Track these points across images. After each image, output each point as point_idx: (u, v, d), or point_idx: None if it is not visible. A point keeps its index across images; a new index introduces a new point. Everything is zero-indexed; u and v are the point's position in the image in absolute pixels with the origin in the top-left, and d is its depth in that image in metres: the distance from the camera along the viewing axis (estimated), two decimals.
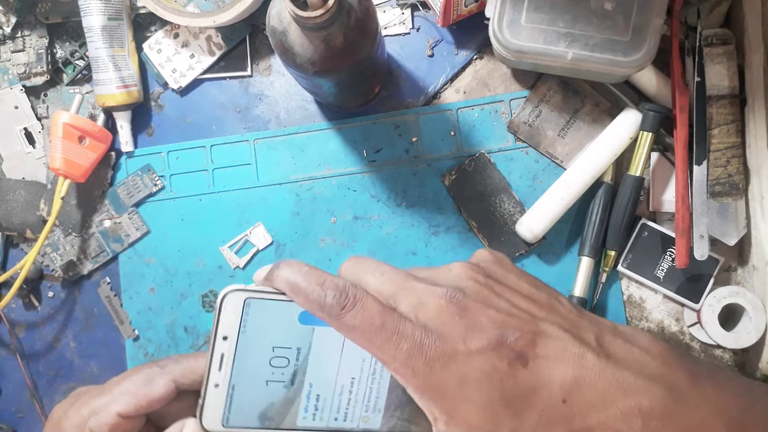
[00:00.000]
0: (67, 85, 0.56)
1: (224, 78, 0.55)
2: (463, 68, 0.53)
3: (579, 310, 0.33)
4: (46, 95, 0.56)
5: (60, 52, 0.56)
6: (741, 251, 0.50)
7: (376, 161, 0.53)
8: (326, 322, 0.30)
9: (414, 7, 0.54)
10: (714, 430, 0.30)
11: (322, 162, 0.54)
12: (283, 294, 0.31)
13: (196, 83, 0.55)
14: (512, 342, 0.29)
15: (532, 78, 0.53)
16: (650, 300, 0.51)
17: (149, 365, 0.35)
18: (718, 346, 0.50)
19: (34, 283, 0.55)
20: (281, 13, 0.39)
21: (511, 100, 0.52)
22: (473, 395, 0.28)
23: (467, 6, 0.50)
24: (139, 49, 0.55)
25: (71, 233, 0.55)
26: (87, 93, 0.56)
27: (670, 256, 0.49)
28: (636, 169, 0.49)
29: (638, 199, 0.50)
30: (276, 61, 0.55)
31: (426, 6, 0.53)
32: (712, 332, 0.47)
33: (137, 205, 0.55)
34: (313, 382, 0.32)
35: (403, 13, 0.54)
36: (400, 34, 0.54)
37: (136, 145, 0.55)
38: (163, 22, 0.55)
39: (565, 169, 0.51)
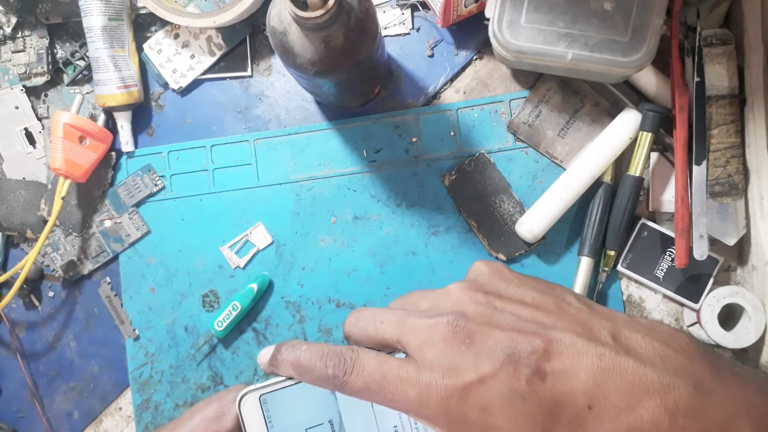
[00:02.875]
0: (67, 85, 0.56)
1: (224, 78, 0.55)
2: (463, 68, 0.53)
3: (589, 306, 0.32)
4: (46, 95, 0.56)
5: (60, 53, 0.56)
6: (740, 251, 0.50)
7: (376, 161, 0.53)
8: (337, 391, 0.31)
9: (414, 8, 0.54)
10: (740, 425, 0.29)
11: (322, 162, 0.54)
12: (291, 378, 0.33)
13: (196, 83, 0.55)
14: (525, 358, 0.28)
15: (531, 78, 0.53)
16: (650, 300, 0.51)
17: (217, 399, 0.38)
18: (718, 346, 0.50)
19: (34, 283, 0.55)
20: (281, 14, 0.39)
21: (510, 100, 0.53)
22: (498, 421, 0.27)
23: (467, 6, 0.50)
24: (139, 50, 0.55)
25: (72, 233, 0.55)
26: (87, 93, 0.56)
27: (670, 256, 0.49)
28: (635, 169, 0.49)
29: (638, 199, 0.50)
30: (276, 62, 0.55)
31: (426, 6, 0.53)
32: (711, 332, 0.47)
33: (138, 205, 0.55)
34: None
35: (403, 14, 0.54)
36: (400, 35, 0.54)
37: (136, 145, 0.55)
38: (164, 23, 0.55)
39: (565, 170, 0.51)
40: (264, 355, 0.34)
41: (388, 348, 0.32)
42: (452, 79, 0.54)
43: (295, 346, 0.32)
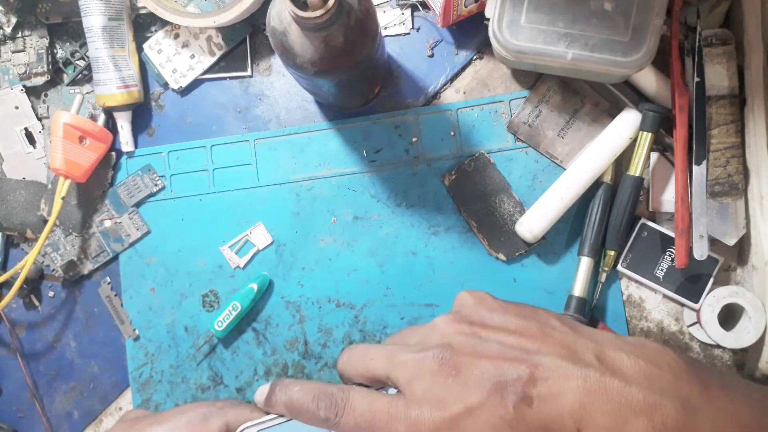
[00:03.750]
0: (67, 85, 0.56)
1: (224, 78, 0.55)
2: (463, 68, 0.53)
3: (574, 328, 0.32)
4: (46, 95, 0.56)
5: (60, 53, 0.56)
6: (740, 251, 0.50)
7: (376, 161, 0.53)
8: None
9: (414, 8, 0.54)
10: (746, 414, 0.29)
11: (322, 162, 0.54)
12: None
13: (196, 83, 0.55)
14: (511, 385, 0.28)
15: (531, 78, 0.53)
16: (650, 300, 0.51)
17: (206, 404, 0.39)
18: (718, 346, 0.50)
19: (34, 283, 0.55)
20: (281, 14, 0.39)
21: (510, 100, 0.53)
22: None
23: (467, 6, 0.50)
24: (139, 50, 0.55)
25: (72, 233, 0.55)
26: (87, 93, 0.56)
27: (670, 255, 0.49)
28: (635, 169, 0.49)
29: (638, 199, 0.50)
30: (276, 62, 0.55)
31: (426, 6, 0.53)
32: (711, 332, 0.47)
33: (137, 205, 0.55)
34: None
35: (403, 14, 0.54)
36: (400, 35, 0.54)
37: (136, 145, 0.55)
38: (164, 23, 0.55)
39: (565, 170, 0.51)
40: (260, 394, 0.35)
41: (379, 384, 0.33)
42: (452, 79, 0.54)
43: (288, 386, 0.33)
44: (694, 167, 0.47)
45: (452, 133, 0.53)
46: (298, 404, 0.33)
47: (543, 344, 0.30)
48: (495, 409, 0.28)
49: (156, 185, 0.54)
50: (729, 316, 0.49)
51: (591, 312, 0.50)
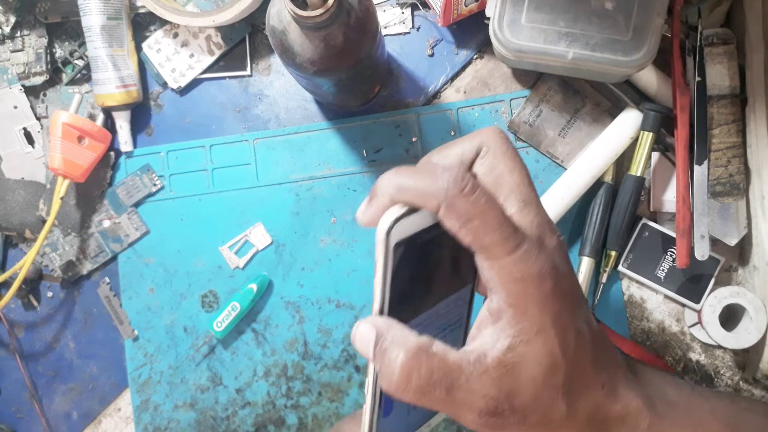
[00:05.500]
0: (66, 84, 0.56)
1: (224, 78, 0.55)
2: (464, 68, 0.53)
3: None
4: (45, 95, 0.56)
5: (59, 52, 0.56)
6: (742, 251, 0.50)
7: (376, 161, 0.53)
8: (442, 212, 0.25)
9: (414, 7, 0.53)
10: (712, 428, 0.30)
11: (322, 162, 0.54)
12: None
13: (195, 83, 0.55)
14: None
15: (532, 78, 0.53)
16: (651, 300, 0.51)
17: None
18: (719, 347, 0.50)
19: (33, 284, 0.55)
20: (281, 13, 0.39)
21: (511, 99, 0.52)
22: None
23: (467, 5, 0.50)
24: (138, 49, 0.55)
25: (70, 233, 0.54)
26: (86, 93, 0.55)
27: (671, 256, 0.49)
28: (637, 168, 0.49)
29: (639, 199, 0.49)
30: (276, 61, 0.55)
31: (426, 5, 0.53)
32: (712, 332, 0.47)
33: (136, 205, 0.54)
34: None
35: (403, 13, 0.53)
36: (400, 34, 0.54)
37: (135, 145, 0.55)
38: (163, 22, 0.55)
39: (566, 169, 0.51)
40: (360, 207, 0.28)
41: None
42: (452, 79, 0.53)
43: (391, 170, 0.27)
44: (696, 167, 0.47)
45: (453, 133, 0.53)
46: (410, 178, 0.26)
47: None
48: None
49: (155, 185, 0.54)
50: (730, 317, 0.49)
51: (592, 312, 0.50)
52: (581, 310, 0.28)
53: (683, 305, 0.50)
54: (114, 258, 0.54)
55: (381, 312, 0.27)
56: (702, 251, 0.46)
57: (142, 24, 0.55)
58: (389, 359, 0.25)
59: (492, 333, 0.26)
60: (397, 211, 0.26)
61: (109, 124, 0.55)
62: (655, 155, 0.50)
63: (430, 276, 0.29)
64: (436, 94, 0.53)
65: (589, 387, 0.27)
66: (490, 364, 0.25)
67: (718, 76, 0.47)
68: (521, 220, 0.27)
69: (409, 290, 0.28)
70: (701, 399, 0.32)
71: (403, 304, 0.28)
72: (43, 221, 0.54)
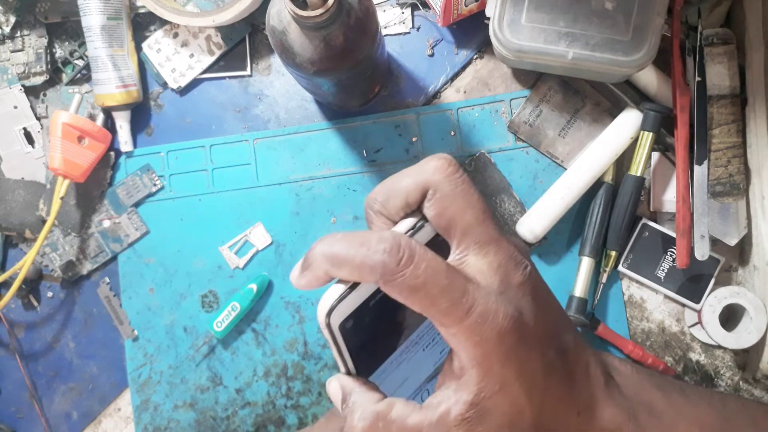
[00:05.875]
0: (66, 84, 0.56)
1: (224, 78, 0.55)
2: (464, 68, 0.53)
3: None
4: (45, 95, 0.56)
5: (59, 52, 0.56)
6: (742, 251, 0.50)
7: (376, 161, 0.53)
8: (381, 286, 0.24)
9: (414, 7, 0.53)
10: None
11: (322, 162, 0.53)
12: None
13: (195, 83, 0.55)
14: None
15: (532, 77, 0.52)
16: (651, 300, 0.51)
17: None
18: (719, 347, 0.50)
19: (33, 284, 0.55)
20: (281, 13, 0.39)
21: (511, 99, 0.52)
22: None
23: (467, 5, 0.50)
24: (138, 49, 0.55)
25: (70, 233, 0.54)
26: (86, 93, 0.55)
27: (671, 256, 0.49)
28: (637, 168, 0.49)
29: (639, 199, 0.49)
30: (276, 61, 0.55)
31: (426, 5, 0.53)
32: (712, 332, 0.47)
33: (136, 205, 0.54)
34: None
35: (403, 13, 0.53)
36: (400, 34, 0.54)
37: (135, 145, 0.55)
38: (163, 22, 0.55)
39: (566, 169, 0.51)
40: (295, 270, 0.27)
41: None
42: (452, 79, 0.53)
43: (328, 236, 0.26)
44: (696, 167, 0.47)
45: (452, 133, 0.53)
46: (344, 251, 0.25)
47: None
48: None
49: (155, 185, 0.54)
50: (730, 317, 0.49)
51: (592, 312, 0.50)
52: (555, 340, 0.27)
53: (683, 305, 0.50)
54: (114, 258, 0.54)
55: (348, 373, 0.27)
56: (702, 251, 0.46)
57: (142, 24, 0.55)
58: (351, 424, 0.26)
59: (455, 388, 0.25)
60: (335, 293, 0.25)
61: (109, 124, 0.55)
62: (655, 155, 0.50)
63: (392, 323, 0.28)
64: (436, 94, 0.53)
65: (561, 420, 0.27)
66: (452, 423, 0.25)
67: (718, 76, 0.47)
68: (478, 264, 0.26)
69: (373, 343, 0.28)
70: (690, 405, 0.31)
71: (371, 354, 0.28)
72: (43, 221, 0.54)
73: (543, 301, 0.27)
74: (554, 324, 0.28)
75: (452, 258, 0.26)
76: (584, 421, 0.28)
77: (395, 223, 0.28)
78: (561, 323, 0.28)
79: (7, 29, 0.55)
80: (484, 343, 0.24)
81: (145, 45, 0.55)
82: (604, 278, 0.50)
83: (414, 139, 0.53)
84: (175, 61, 0.54)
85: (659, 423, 0.29)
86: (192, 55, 0.54)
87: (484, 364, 0.25)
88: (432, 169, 0.27)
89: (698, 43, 0.47)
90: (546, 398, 0.26)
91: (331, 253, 0.25)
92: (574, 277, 0.50)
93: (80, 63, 0.55)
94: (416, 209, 0.27)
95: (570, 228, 0.51)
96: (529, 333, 0.25)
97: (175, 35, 0.54)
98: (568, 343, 0.28)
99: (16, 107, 0.55)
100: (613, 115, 0.51)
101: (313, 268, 0.26)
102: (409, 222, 0.27)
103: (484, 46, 0.53)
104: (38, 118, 0.56)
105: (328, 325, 0.25)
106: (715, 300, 0.47)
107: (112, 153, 0.55)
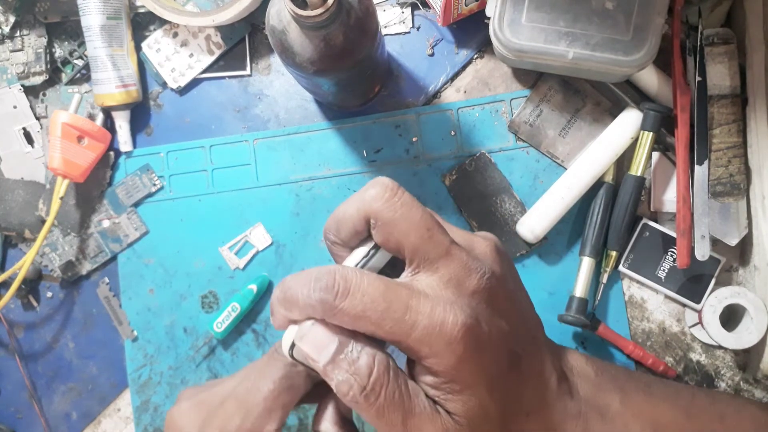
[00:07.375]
0: (65, 84, 0.56)
1: (223, 77, 0.55)
2: (464, 67, 0.53)
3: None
4: (44, 95, 0.56)
5: (59, 52, 0.56)
6: (742, 251, 0.50)
7: (376, 161, 0.53)
8: (327, 320, 0.26)
9: (414, 6, 0.53)
10: None
11: (322, 162, 0.53)
12: None
13: (195, 83, 0.55)
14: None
15: (532, 77, 0.52)
16: (651, 300, 0.51)
17: (271, 360, 0.31)
18: (720, 347, 0.50)
19: (32, 284, 0.55)
20: (281, 12, 0.39)
21: (511, 99, 0.52)
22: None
23: (467, 5, 0.50)
24: (138, 49, 0.55)
25: (70, 233, 0.54)
26: (86, 92, 0.55)
27: (672, 256, 0.49)
28: (637, 168, 0.49)
29: (639, 199, 0.49)
30: (275, 61, 0.55)
31: (426, 5, 0.53)
32: (713, 333, 0.47)
33: (136, 205, 0.54)
34: None
35: (403, 12, 0.53)
36: (400, 33, 0.54)
37: (135, 145, 0.55)
38: (162, 21, 0.55)
39: (566, 169, 0.51)
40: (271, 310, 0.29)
41: None
42: (453, 78, 0.53)
43: (278, 285, 0.27)
44: (696, 167, 0.47)
45: (453, 133, 0.53)
46: (288, 294, 0.26)
47: None
48: None
49: (155, 185, 0.54)
50: (731, 317, 0.49)
51: (593, 313, 0.50)
52: (509, 344, 0.28)
53: (684, 305, 0.50)
54: (113, 258, 0.54)
55: None
56: (702, 251, 0.46)
57: (141, 24, 0.55)
58: (359, 368, 0.25)
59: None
60: (291, 334, 0.27)
61: (109, 124, 0.55)
62: (656, 155, 0.50)
63: None
64: (436, 94, 0.53)
65: (514, 420, 0.28)
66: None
67: (719, 75, 0.47)
68: (428, 280, 0.27)
69: None
70: (649, 405, 0.32)
71: None
72: (43, 221, 0.54)
73: (501, 307, 0.28)
74: (512, 328, 0.28)
75: (404, 276, 0.28)
76: (533, 420, 0.29)
77: (352, 249, 0.30)
78: (520, 327, 0.29)
79: (6, 29, 0.55)
80: (434, 354, 0.25)
81: (144, 45, 0.54)
82: (604, 278, 0.50)
83: (414, 139, 0.53)
84: (175, 60, 0.54)
85: (611, 426, 0.30)
86: (191, 55, 0.54)
87: (440, 372, 0.26)
88: (370, 199, 0.28)
89: (699, 43, 0.47)
90: (505, 398, 0.28)
91: (282, 299, 0.27)
92: (575, 277, 0.50)
93: (80, 63, 0.55)
94: (369, 234, 0.29)
95: (570, 228, 0.51)
96: (483, 338, 0.26)
97: (175, 35, 0.54)
98: (524, 347, 0.29)
99: (15, 107, 0.55)
100: (614, 115, 0.51)
101: (275, 315, 0.28)
102: (363, 250, 0.29)
103: (485, 46, 0.53)
104: (38, 118, 0.56)
105: (294, 358, 0.28)
106: (716, 300, 0.47)
107: (112, 153, 0.55)
